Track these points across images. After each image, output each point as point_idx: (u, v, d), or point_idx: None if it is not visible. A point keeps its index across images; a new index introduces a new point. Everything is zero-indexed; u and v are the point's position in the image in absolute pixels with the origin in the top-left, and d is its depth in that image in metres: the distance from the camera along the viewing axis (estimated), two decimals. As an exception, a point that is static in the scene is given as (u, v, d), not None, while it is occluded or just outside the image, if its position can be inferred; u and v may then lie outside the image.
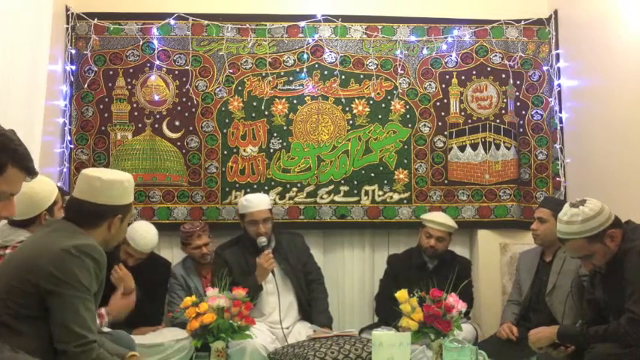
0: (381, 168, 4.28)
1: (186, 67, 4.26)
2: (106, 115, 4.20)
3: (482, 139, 4.33)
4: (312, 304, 3.75)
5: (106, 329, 2.92)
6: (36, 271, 1.95)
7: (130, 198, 2.26)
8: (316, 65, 4.31)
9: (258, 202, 3.71)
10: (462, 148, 4.34)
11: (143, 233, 3.51)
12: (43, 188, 2.62)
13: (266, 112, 4.27)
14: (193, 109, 4.24)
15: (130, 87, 4.23)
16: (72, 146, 4.15)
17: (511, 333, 3.47)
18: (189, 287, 3.82)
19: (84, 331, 1.96)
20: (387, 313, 3.72)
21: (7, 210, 1.77)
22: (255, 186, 4.18)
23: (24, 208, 2.51)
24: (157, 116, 4.24)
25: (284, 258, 3.70)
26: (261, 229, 3.62)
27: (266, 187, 4.17)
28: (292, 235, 3.90)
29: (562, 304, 3.34)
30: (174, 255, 4.18)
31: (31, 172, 1.78)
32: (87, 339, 1.97)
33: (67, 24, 4.17)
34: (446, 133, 4.33)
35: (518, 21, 4.39)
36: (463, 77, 4.38)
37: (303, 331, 3.52)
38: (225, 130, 4.25)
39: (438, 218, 3.88)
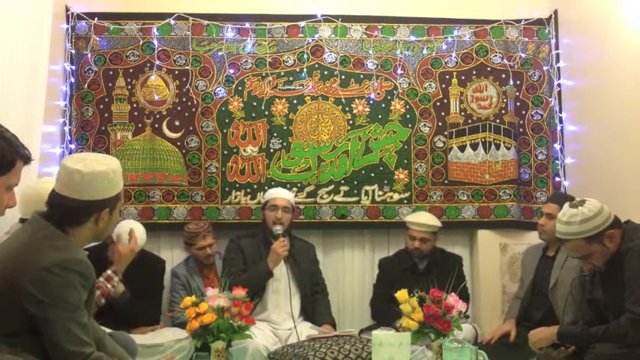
0: (381, 168, 4.28)
1: (186, 67, 4.26)
2: (106, 115, 4.20)
3: (482, 139, 4.33)
4: (317, 309, 3.77)
5: (107, 330, 2.93)
6: (19, 291, 1.83)
7: (117, 188, 2.06)
8: (316, 65, 4.31)
9: (282, 192, 3.86)
10: (462, 148, 4.34)
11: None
12: None
13: (266, 112, 4.27)
14: (193, 109, 4.24)
15: (130, 87, 4.23)
16: (72, 146, 4.15)
17: (500, 335, 3.49)
18: (192, 287, 3.82)
19: (79, 347, 1.89)
20: (383, 317, 3.72)
21: (12, 200, 1.80)
22: (255, 186, 4.18)
23: (37, 208, 2.53)
24: (157, 116, 4.24)
25: (295, 261, 3.71)
26: (279, 214, 3.67)
27: (266, 187, 4.16)
28: (306, 244, 3.92)
29: (563, 300, 3.34)
30: (174, 255, 4.18)
31: (29, 161, 1.82)
32: (84, 355, 1.90)
33: (67, 24, 4.17)
34: (446, 133, 4.33)
35: (519, 21, 4.39)
36: (463, 77, 4.38)
37: (304, 331, 3.52)
38: (225, 130, 4.24)
39: (419, 219, 3.87)
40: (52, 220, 1.98)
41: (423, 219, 3.87)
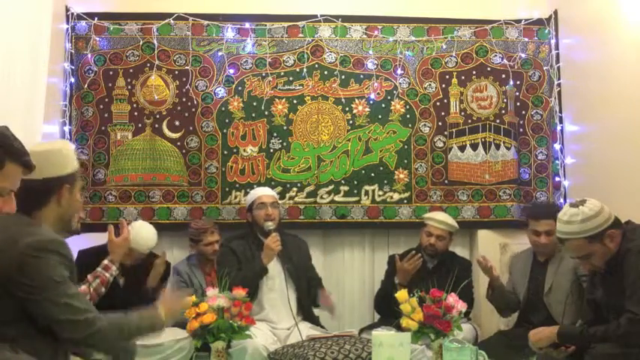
0: (381, 168, 4.28)
1: (186, 67, 4.26)
2: (106, 115, 4.20)
3: (482, 139, 4.33)
4: (312, 293, 3.74)
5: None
6: (7, 279, 1.84)
7: (72, 166, 2.11)
8: (316, 65, 4.31)
9: (266, 190, 3.85)
10: (462, 148, 4.34)
11: (143, 233, 3.51)
12: None
13: (266, 112, 4.27)
14: (193, 109, 4.24)
15: (129, 87, 4.23)
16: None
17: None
18: (194, 284, 3.83)
19: (80, 315, 1.91)
20: (386, 312, 3.72)
21: (8, 206, 1.76)
22: (255, 186, 4.17)
23: None
24: (157, 116, 4.24)
25: (289, 258, 3.69)
26: (269, 210, 3.66)
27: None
28: (297, 239, 3.89)
29: (561, 304, 3.34)
30: (174, 255, 4.17)
31: (28, 166, 1.77)
32: (87, 320, 1.91)
33: (67, 24, 4.17)
34: (446, 133, 4.34)
35: (519, 21, 4.39)
36: (463, 77, 4.38)
37: (304, 331, 3.52)
38: (225, 130, 4.24)
39: (439, 217, 3.89)
40: (19, 208, 1.94)
41: (442, 217, 3.90)
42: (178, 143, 4.23)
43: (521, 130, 4.37)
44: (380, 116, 4.31)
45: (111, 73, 4.23)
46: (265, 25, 4.29)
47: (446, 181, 4.31)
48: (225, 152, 4.24)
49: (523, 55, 4.38)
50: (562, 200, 4.24)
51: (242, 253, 3.66)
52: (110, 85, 4.22)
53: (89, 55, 4.20)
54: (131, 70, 4.24)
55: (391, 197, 4.27)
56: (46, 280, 1.87)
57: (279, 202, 3.95)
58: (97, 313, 1.98)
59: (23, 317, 1.89)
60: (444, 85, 4.36)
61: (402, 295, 3.11)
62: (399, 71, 4.33)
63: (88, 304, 1.99)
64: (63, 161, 2.09)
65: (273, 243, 3.51)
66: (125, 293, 3.41)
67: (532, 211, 3.65)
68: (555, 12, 4.37)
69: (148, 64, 4.24)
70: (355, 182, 4.25)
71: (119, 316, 2.07)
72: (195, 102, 4.24)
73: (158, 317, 2.17)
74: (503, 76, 4.37)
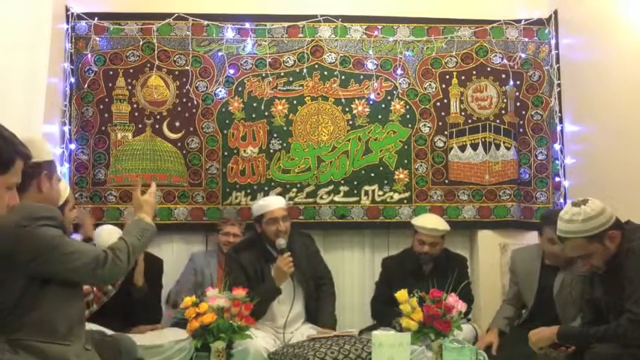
0: (381, 168, 4.28)
1: (187, 68, 4.26)
2: (106, 115, 4.20)
3: (483, 139, 4.33)
4: (319, 304, 3.69)
5: (109, 332, 2.92)
6: (11, 259, 1.94)
7: (49, 155, 2.32)
8: (316, 65, 4.31)
9: (275, 201, 3.69)
10: (463, 148, 4.34)
11: (104, 230, 3.39)
12: None
13: (266, 113, 4.27)
14: (193, 110, 4.24)
15: (130, 87, 4.23)
16: (72, 146, 4.15)
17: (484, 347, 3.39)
18: (204, 275, 3.89)
19: (92, 255, 2.04)
20: (383, 317, 3.70)
21: (14, 199, 1.83)
22: (255, 187, 4.18)
23: None
24: (158, 117, 4.24)
25: (297, 264, 3.56)
26: (281, 226, 3.55)
27: (266, 188, 4.17)
28: (302, 237, 3.81)
29: (567, 305, 3.33)
30: (174, 255, 4.19)
31: (29, 160, 1.85)
32: (98, 258, 2.04)
33: (67, 24, 4.17)
34: (446, 132, 4.34)
35: (519, 21, 4.39)
36: (463, 77, 4.38)
37: (304, 332, 3.51)
38: (225, 131, 4.24)
39: (429, 224, 3.78)
40: None
41: (433, 224, 3.79)
42: (179, 144, 4.23)
43: (521, 130, 4.37)
44: (380, 116, 4.31)
45: (111, 73, 4.23)
46: (265, 25, 4.29)
47: (446, 181, 4.31)
48: (226, 153, 4.24)
49: (523, 55, 4.38)
50: (562, 200, 4.24)
51: (252, 270, 3.55)
52: (110, 85, 4.22)
53: (89, 55, 4.20)
54: (131, 71, 4.24)
55: (391, 197, 4.27)
56: (44, 245, 1.98)
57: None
58: (101, 249, 2.12)
59: (30, 306, 1.96)
60: (444, 85, 4.36)
61: (402, 295, 3.10)
62: (399, 71, 4.33)
63: (92, 247, 2.15)
64: (41, 148, 2.25)
65: (286, 265, 3.42)
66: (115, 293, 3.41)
67: (553, 220, 3.45)
68: (555, 12, 4.37)
69: (148, 65, 4.24)
70: (355, 182, 4.25)
71: (117, 241, 2.19)
72: (195, 103, 4.24)
73: (142, 221, 2.35)
74: (504, 76, 4.37)
